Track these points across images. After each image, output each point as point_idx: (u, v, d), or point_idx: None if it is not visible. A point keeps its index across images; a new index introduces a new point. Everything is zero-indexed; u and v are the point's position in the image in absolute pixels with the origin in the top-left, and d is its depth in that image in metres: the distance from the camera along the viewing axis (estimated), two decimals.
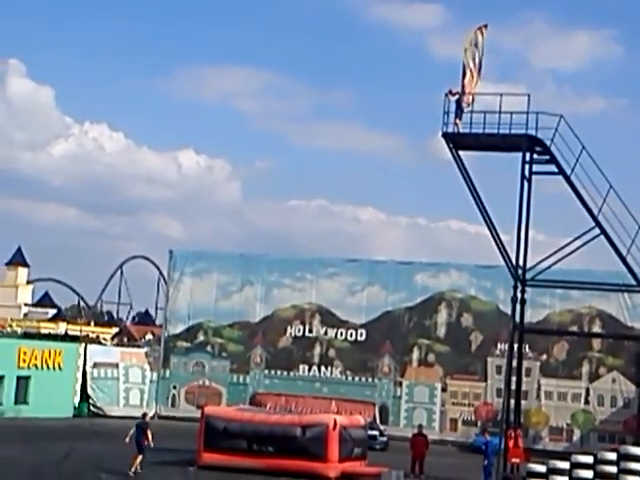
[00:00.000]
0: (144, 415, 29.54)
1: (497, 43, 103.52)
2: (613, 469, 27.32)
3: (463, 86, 30.54)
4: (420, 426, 35.06)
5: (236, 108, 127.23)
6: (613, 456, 27.76)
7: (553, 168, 30.34)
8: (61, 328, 61.99)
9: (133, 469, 27.09)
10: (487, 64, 31.52)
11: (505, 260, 31.33)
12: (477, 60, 31.01)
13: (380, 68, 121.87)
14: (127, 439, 28.12)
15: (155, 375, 53.72)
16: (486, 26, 31.54)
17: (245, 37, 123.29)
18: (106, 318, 74.49)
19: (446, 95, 30.67)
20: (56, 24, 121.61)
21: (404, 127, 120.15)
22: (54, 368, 48.32)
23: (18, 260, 72.53)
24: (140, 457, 27.49)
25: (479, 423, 48.41)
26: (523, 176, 30.28)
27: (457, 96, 30.47)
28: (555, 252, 31.20)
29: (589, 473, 27.46)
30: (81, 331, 58.30)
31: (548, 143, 29.97)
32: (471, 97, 30.64)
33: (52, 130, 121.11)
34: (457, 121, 30.58)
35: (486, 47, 31.52)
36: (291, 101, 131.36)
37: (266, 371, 52.76)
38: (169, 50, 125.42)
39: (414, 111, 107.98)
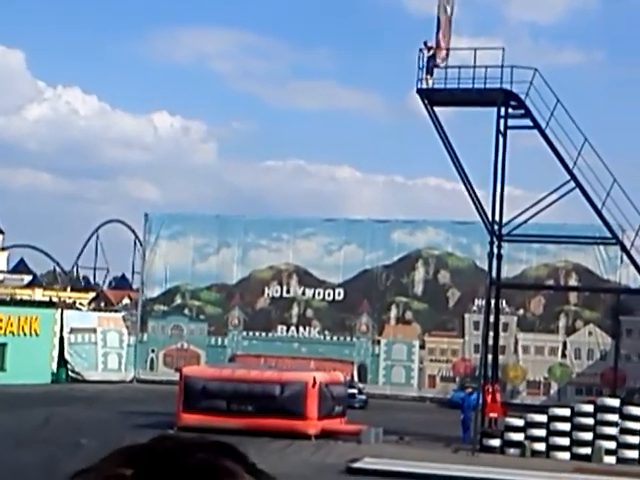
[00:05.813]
0: None
1: None
2: (590, 421, 27.60)
3: (438, 41, 30.30)
4: None
5: (211, 69, 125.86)
6: (590, 408, 28.03)
7: (528, 122, 30.23)
8: (37, 294, 61.64)
9: None
10: (462, 19, 31.40)
11: (481, 216, 31.28)
12: (449, 14, 30.74)
13: (356, 25, 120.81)
14: None
15: (133, 339, 53.61)
16: None
17: None
18: (82, 283, 73.86)
19: (420, 50, 30.44)
20: None
21: (381, 84, 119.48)
22: (31, 334, 48.09)
23: None
24: None
25: (457, 379, 48.70)
26: (498, 131, 30.16)
27: (432, 51, 30.21)
28: (531, 207, 31.20)
29: (566, 426, 27.74)
30: (57, 297, 57.97)
31: (523, 97, 29.86)
32: (445, 52, 30.42)
33: (24, 94, 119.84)
34: (427, 77, 30.36)
35: (461, 1, 31.29)
36: (267, 61, 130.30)
37: (244, 332, 52.75)
38: (142, 11, 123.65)
39: (391, 68, 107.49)
